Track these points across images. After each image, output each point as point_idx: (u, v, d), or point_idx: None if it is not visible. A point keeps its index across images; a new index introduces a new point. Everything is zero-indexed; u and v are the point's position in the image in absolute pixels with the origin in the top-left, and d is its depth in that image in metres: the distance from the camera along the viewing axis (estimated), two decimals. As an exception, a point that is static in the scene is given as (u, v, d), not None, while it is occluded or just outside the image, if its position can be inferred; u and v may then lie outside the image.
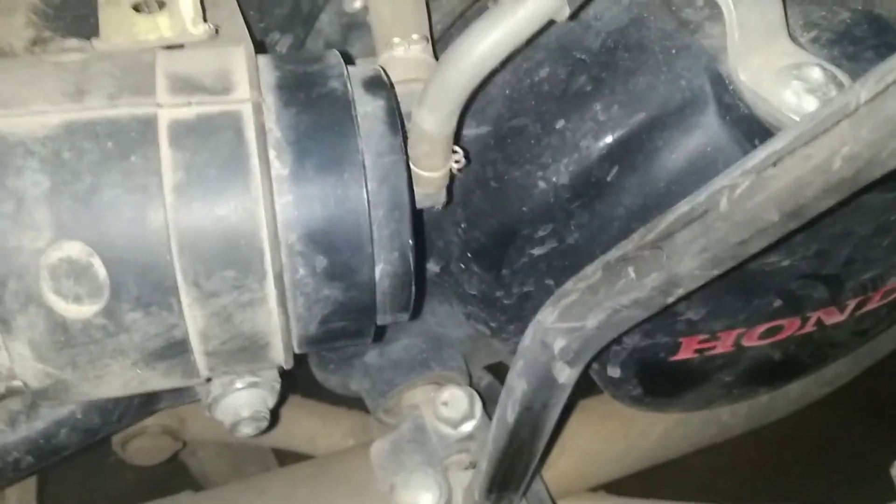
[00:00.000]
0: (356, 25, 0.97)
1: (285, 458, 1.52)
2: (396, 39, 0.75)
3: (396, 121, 0.65)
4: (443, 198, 0.74)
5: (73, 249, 0.57)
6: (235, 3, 0.83)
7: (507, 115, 0.85)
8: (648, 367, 0.93)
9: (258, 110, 0.61)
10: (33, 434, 0.91)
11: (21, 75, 0.61)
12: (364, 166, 0.62)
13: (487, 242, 0.87)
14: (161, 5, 0.75)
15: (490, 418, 0.88)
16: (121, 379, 0.63)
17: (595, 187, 0.81)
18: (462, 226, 0.89)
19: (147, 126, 0.58)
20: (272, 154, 0.61)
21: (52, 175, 0.57)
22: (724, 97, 0.74)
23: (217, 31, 0.74)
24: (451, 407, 1.03)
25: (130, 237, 0.57)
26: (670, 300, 0.65)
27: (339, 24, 0.98)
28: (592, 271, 0.69)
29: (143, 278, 0.58)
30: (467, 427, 1.03)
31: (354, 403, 1.30)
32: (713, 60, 0.76)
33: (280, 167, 0.61)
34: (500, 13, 0.64)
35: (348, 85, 0.64)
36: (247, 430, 0.78)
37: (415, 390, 1.09)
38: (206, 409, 0.78)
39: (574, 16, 0.64)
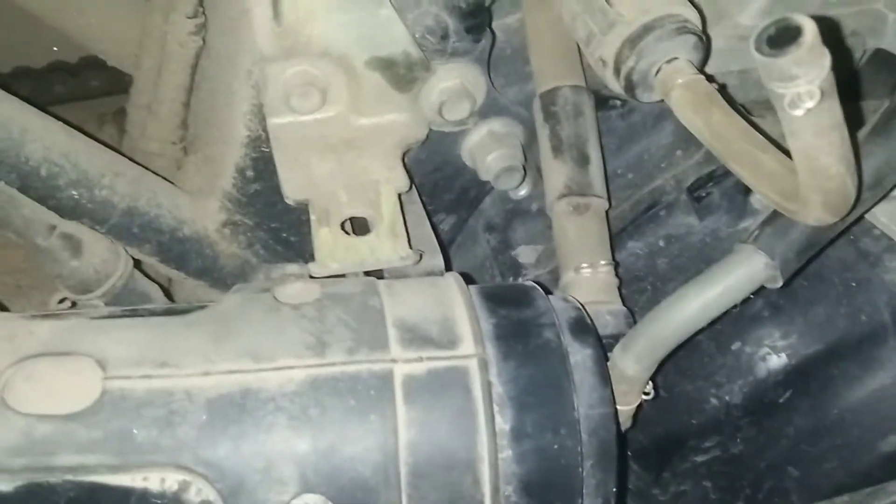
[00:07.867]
0: (520, 212, 1.01)
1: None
2: (585, 264, 0.78)
3: (606, 370, 0.68)
4: (629, 424, 0.77)
5: (313, 500, 0.60)
6: (421, 205, 0.88)
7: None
8: None
9: (483, 366, 0.64)
10: None
11: (264, 323, 0.65)
12: (578, 420, 0.65)
13: (651, 447, 0.89)
14: (368, 224, 0.80)
15: None
16: None
17: (766, 407, 0.83)
18: (623, 426, 0.91)
19: (384, 382, 0.62)
20: (495, 409, 0.64)
21: (299, 431, 0.60)
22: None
23: (421, 257, 0.78)
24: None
25: (366, 490, 0.61)
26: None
27: (502, 208, 1.02)
28: None
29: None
30: None
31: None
32: (894, 297, 0.77)
33: (502, 422, 0.64)
34: (714, 275, 0.66)
35: (561, 336, 0.68)
36: None
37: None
38: None
39: (787, 284, 0.67)
